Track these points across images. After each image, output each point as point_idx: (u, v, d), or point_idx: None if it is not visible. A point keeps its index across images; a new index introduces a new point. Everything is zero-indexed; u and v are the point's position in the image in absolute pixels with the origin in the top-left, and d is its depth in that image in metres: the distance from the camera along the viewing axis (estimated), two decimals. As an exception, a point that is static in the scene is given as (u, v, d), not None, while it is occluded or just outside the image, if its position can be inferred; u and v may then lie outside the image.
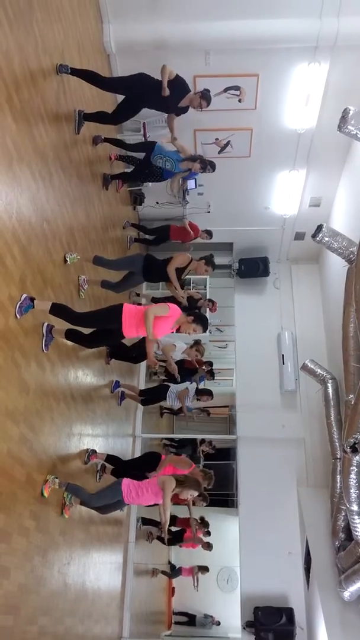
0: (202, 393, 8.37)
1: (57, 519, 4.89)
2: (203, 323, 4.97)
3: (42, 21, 4.62)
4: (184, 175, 7.26)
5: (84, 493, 5.13)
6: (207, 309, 8.91)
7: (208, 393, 8.42)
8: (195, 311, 5.28)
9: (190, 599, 14.01)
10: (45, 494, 4.54)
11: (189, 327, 4.87)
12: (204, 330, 5.07)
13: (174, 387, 8.36)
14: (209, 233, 8.55)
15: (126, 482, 5.15)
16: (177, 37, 7.15)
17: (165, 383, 8.89)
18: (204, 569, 11.58)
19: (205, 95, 6.31)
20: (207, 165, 7.01)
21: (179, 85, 6.16)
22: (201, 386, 8.89)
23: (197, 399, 8.36)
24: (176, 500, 7.14)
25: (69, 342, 5.06)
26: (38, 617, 4.36)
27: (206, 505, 7.96)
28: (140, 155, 7.23)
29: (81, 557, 5.70)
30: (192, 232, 8.32)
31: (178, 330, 5.10)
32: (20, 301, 4.01)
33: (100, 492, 5.30)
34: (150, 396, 8.65)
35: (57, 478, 4.75)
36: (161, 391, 8.52)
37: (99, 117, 6.11)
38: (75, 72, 5.45)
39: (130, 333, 4.73)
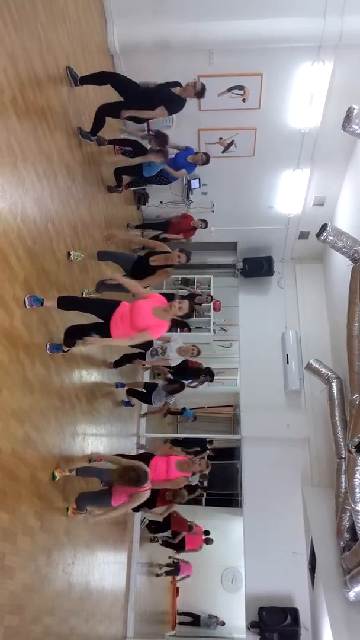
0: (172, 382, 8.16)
1: (61, 519, 4.90)
2: (188, 298, 4.85)
3: (46, 22, 4.62)
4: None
5: (94, 469, 5.40)
6: (211, 306, 8.88)
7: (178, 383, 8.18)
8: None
9: (194, 599, 14.01)
10: (57, 476, 4.67)
11: (174, 305, 4.65)
12: (191, 309, 4.84)
13: (159, 387, 8.25)
14: (203, 221, 8.58)
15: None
16: (180, 37, 7.15)
17: (155, 382, 8.78)
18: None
19: (198, 85, 6.23)
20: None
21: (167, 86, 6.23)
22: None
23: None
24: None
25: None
26: (42, 617, 4.37)
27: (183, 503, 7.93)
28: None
29: (85, 557, 5.70)
30: (183, 221, 8.44)
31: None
32: (29, 296, 4.10)
33: (110, 469, 5.47)
34: (137, 390, 8.53)
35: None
36: (148, 389, 8.39)
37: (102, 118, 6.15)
38: (85, 80, 5.58)
39: (118, 333, 4.67)
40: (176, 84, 6.29)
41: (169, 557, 11.92)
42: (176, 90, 6.24)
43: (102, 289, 6.25)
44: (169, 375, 8.24)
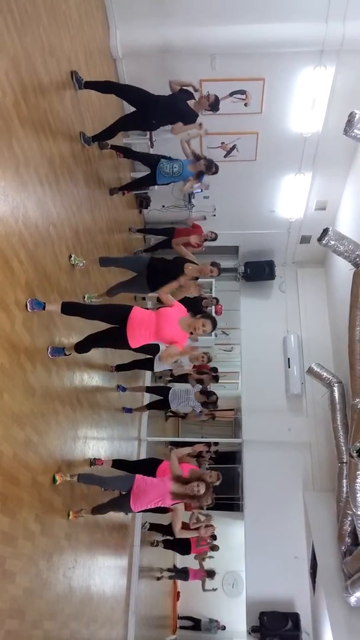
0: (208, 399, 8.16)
1: (62, 523, 4.89)
2: (211, 319, 4.90)
3: (49, 26, 4.64)
4: (194, 182, 7.13)
5: (95, 478, 5.33)
6: (212, 309, 8.88)
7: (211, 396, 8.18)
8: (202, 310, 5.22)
9: (195, 603, 13.97)
10: (58, 480, 4.65)
11: (198, 323, 4.76)
12: (214, 326, 4.96)
13: (176, 389, 8.27)
14: (214, 233, 8.57)
15: (140, 476, 5.34)
16: (183, 42, 7.17)
17: (168, 385, 8.81)
18: (211, 573, 11.50)
19: (212, 97, 6.32)
20: (212, 165, 6.93)
21: (184, 94, 6.25)
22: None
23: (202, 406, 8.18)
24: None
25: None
26: (43, 621, 4.35)
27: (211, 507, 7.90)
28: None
29: (86, 561, 5.69)
30: (195, 230, 8.38)
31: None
32: (30, 299, 4.10)
33: (114, 477, 5.40)
34: (155, 401, 8.60)
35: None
36: (163, 394, 8.40)
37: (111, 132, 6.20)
38: (89, 85, 5.61)
39: (137, 342, 4.69)
40: (188, 94, 6.32)
41: (174, 567, 11.94)
42: (191, 103, 6.30)
43: (116, 292, 6.29)
44: (198, 386, 8.12)
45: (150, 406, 8.68)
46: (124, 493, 5.39)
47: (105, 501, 5.62)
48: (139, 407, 8.64)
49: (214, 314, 10.81)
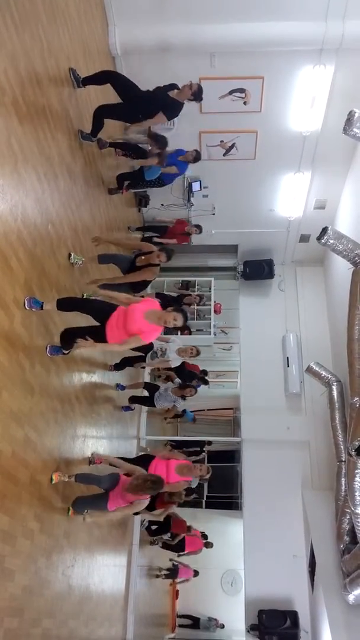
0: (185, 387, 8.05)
1: (61, 521, 4.89)
2: (183, 312, 4.84)
3: (47, 24, 4.63)
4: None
5: (93, 477, 5.34)
6: (211, 309, 8.92)
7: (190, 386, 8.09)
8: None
9: (194, 601, 13.98)
10: (54, 479, 4.64)
11: (169, 316, 4.65)
12: (185, 320, 4.89)
13: (162, 389, 8.23)
14: (198, 227, 8.62)
15: (124, 476, 5.37)
16: (182, 40, 7.16)
17: (155, 384, 8.76)
18: (195, 572, 11.57)
19: (194, 86, 6.21)
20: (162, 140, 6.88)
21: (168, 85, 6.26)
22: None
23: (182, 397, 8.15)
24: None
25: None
26: (42, 620, 4.35)
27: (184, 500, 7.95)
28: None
29: (85, 560, 5.69)
30: (177, 226, 8.50)
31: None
32: (29, 297, 4.10)
33: (104, 476, 5.45)
34: (139, 396, 8.52)
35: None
36: (151, 392, 8.35)
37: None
38: (87, 81, 5.60)
39: (113, 337, 4.65)
40: (173, 86, 6.30)
41: (170, 560, 11.91)
42: (173, 93, 6.24)
43: (105, 261, 6.29)
44: (177, 380, 8.19)
45: (134, 399, 8.47)
46: (100, 492, 5.38)
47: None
48: (133, 384, 8.50)
49: (211, 313, 10.89)
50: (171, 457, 6.81)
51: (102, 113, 6.07)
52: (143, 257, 6.40)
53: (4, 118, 3.69)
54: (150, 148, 7.05)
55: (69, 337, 4.80)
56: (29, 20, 4.20)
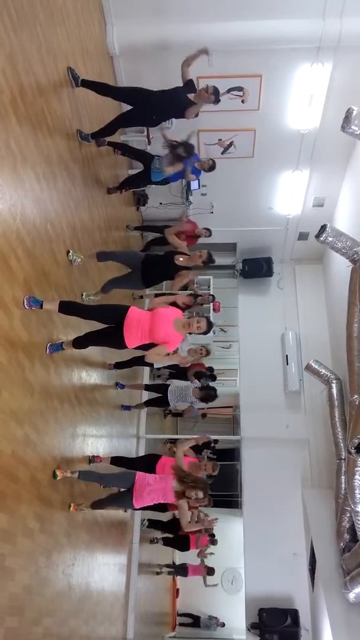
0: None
1: (61, 520, 4.89)
2: (207, 319, 4.95)
3: (45, 23, 4.63)
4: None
5: (95, 475, 5.35)
6: (210, 307, 8.87)
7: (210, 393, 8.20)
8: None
9: (194, 600, 14.00)
10: (59, 476, 4.68)
11: (193, 322, 4.82)
12: (209, 326, 5.01)
13: (173, 386, 8.28)
14: (208, 230, 8.59)
15: (141, 473, 5.36)
16: (180, 38, 7.15)
17: (166, 383, 8.80)
18: (211, 570, 11.55)
19: (210, 89, 6.25)
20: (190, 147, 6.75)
21: (187, 87, 6.24)
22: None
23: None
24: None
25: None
26: (42, 619, 4.36)
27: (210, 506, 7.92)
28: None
29: (85, 558, 5.70)
30: (189, 226, 8.43)
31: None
32: (28, 296, 4.10)
33: (113, 475, 5.45)
34: (153, 398, 8.62)
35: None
36: (162, 392, 8.41)
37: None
38: (86, 84, 5.59)
39: (133, 342, 4.73)
40: (190, 88, 6.27)
41: (172, 563, 11.97)
42: (190, 97, 6.26)
43: (109, 289, 6.28)
44: (196, 380, 8.14)
45: (149, 403, 8.67)
46: (123, 490, 5.39)
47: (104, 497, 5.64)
48: (137, 404, 8.65)
49: (211, 312, 10.87)
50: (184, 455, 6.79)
51: (119, 122, 6.14)
52: (182, 259, 6.37)
53: (2, 118, 3.69)
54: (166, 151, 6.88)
55: (87, 342, 4.92)
56: (26, 19, 4.19)
